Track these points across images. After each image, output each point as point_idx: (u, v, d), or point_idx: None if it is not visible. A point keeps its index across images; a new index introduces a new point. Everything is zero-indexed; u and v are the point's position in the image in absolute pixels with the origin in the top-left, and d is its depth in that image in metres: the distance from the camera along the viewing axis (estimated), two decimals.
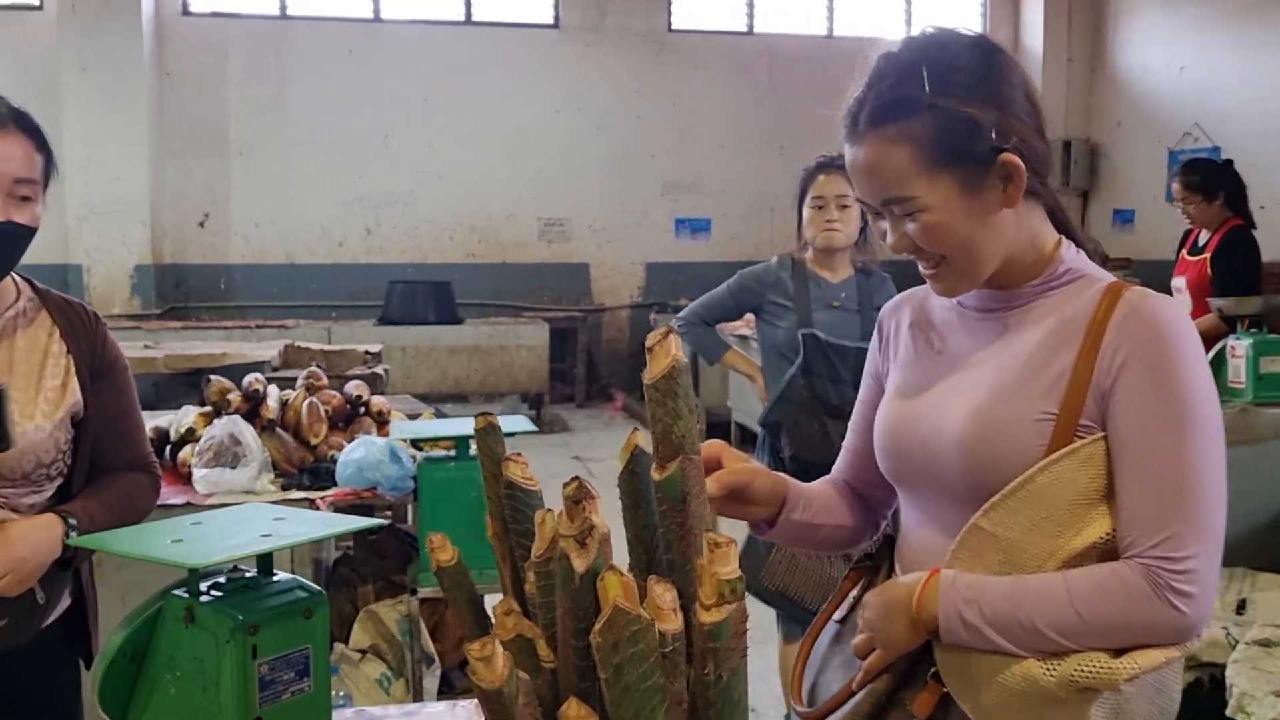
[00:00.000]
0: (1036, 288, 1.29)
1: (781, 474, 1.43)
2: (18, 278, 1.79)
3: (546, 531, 0.96)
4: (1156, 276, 8.61)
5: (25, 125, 1.67)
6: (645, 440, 1.01)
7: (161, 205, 9.56)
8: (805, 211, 3.23)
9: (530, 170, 10.41)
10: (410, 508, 3.48)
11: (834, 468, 1.55)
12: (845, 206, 3.14)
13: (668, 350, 0.95)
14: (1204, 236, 4.85)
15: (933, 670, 1.25)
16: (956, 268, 1.26)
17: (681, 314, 3.51)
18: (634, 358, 10.72)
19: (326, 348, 6.48)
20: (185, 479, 3.06)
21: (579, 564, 0.85)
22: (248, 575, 1.38)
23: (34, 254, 7.31)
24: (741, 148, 10.67)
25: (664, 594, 0.89)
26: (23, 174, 1.64)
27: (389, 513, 4.16)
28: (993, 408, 1.24)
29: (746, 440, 7.21)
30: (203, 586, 1.34)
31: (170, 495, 2.91)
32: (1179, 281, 4.93)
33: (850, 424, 1.52)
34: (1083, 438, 1.20)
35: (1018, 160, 1.22)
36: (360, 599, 3.22)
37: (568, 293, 10.65)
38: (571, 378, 10.34)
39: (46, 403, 1.70)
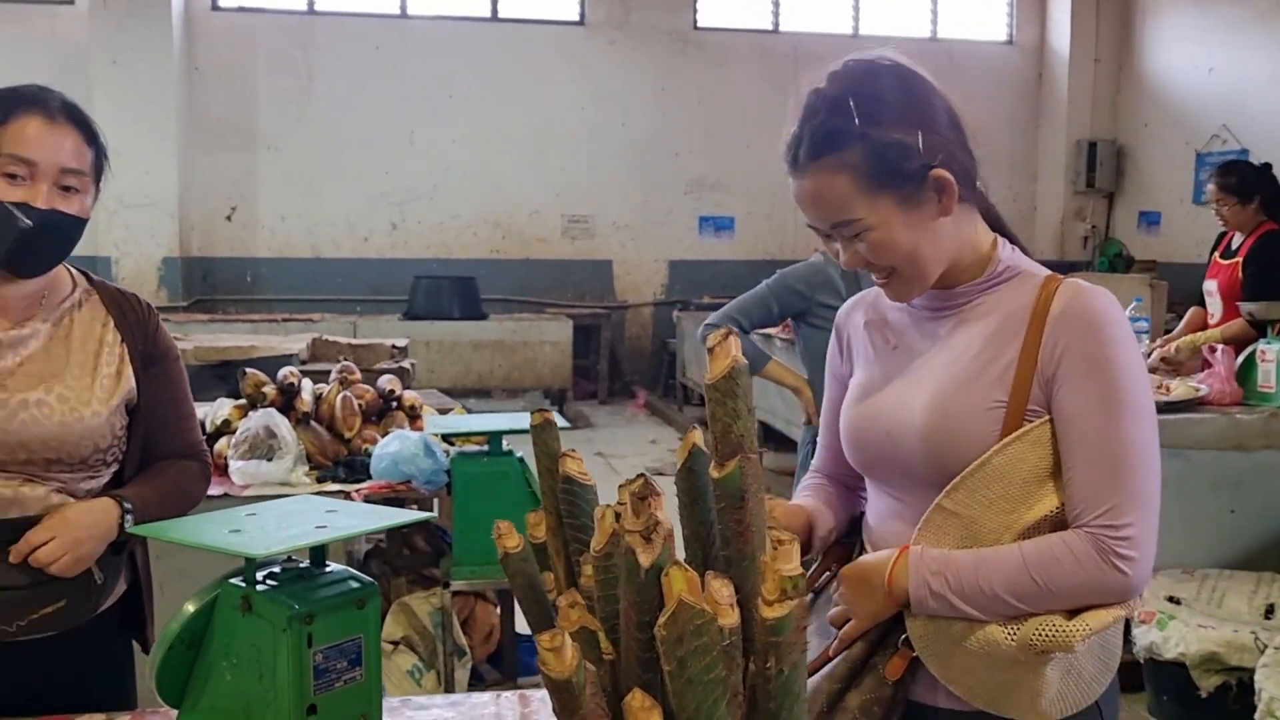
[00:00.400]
0: (978, 286, 1.41)
1: (798, 504, 1.55)
2: (73, 270, 1.83)
3: (606, 526, 0.98)
4: (1183, 279, 8.59)
5: (75, 118, 1.70)
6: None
7: (189, 198, 9.64)
8: None
9: (554, 167, 10.45)
10: (437, 501, 3.52)
11: (812, 466, 1.67)
12: None
13: (728, 351, 0.97)
14: (1237, 240, 4.83)
15: (903, 637, 1.37)
16: (906, 276, 1.38)
17: (712, 318, 3.21)
18: (656, 355, 10.75)
19: (354, 341, 6.54)
20: (221, 470, 3.10)
21: (644, 559, 0.87)
22: (301, 566, 1.41)
23: None
24: (766, 146, 10.61)
25: (722, 589, 0.91)
26: (71, 164, 1.67)
27: (415, 506, 4.20)
28: (950, 398, 1.36)
29: (770, 439, 7.22)
30: (258, 576, 1.37)
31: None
32: (1210, 285, 4.91)
33: (822, 423, 1.63)
34: (1031, 421, 1.33)
35: (947, 174, 1.34)
36: (392, 591, 3.26)
37: (591, 289, 10.68)
38: (594, 374, 10.37)
39: (102, 389, 1.73)
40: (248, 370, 3.40)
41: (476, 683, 3.25)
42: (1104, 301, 1.33)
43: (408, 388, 6.16)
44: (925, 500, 1.37)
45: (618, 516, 0.99)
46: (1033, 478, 1.33)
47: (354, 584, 1.40)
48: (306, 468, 3.11)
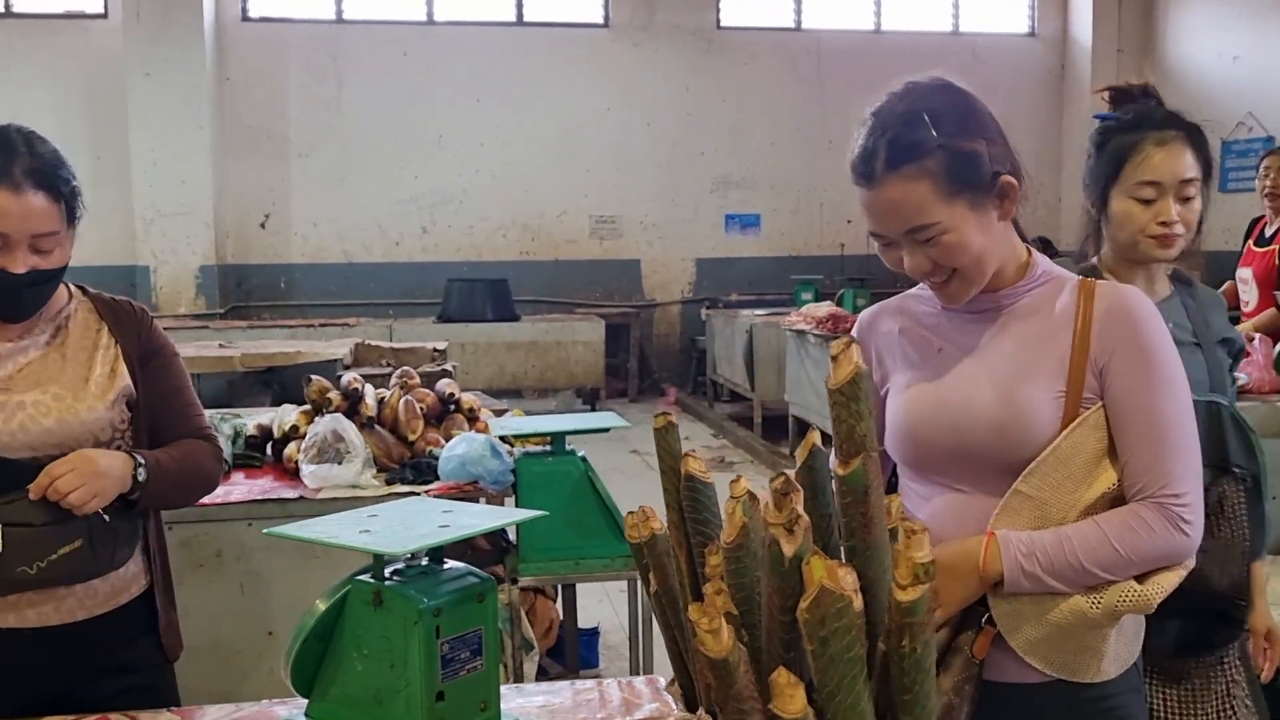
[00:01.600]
0: (1022, 288, 1.54)
1: None
2: (70, 284, 1.94)
3: (736, 520, 1.07)
4: (1211, 267, 8.57)
5: (41, 181, 1.72)
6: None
7: (224, 207, 9.79)
8: (1118, 203, 2.08)
9: (581, 168, 10.55)
10: (506, 502, 3.61)
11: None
12: (1188, 198, 2.08)
13: (850, 358, 1.06)
14: (1271, 228, 4.87)
15: (986, 616, 1.47)
16: (967, 277, 1.48)
17: None
18: (684, 353, 10.84)
19: (395, 345, 6.65)
20: (291, 474, 3.21)
21: (788, 549, 0.97)
22: (423, 564, 1.51)
23: (104, 255, 7.69)
24: (790, 143, 10.75)
25: (847, 577, 1.00)
26: (42, 229, 1.73)
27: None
28: (1017, 391, 1.48)
29: (804, 433, 7.29)
30: (385, 573, 1.47)
31: (282, 489, 3.06)
32: (1245, 272, 4.95)
33: None
34: (1087, 408, 1.46)
35: (1013, 180, 1.48)
36: None
37: (619, 289, 10.78)
38: (624, 373, 10.47)
39: (97, 387, 1.85)
40: (312, 377, 3.51)
41: (540, 676, 3.35)
42: (1141, 298, 1.50)
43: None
44: (991, 488, 1.49)
45: (745, 512, 1.08)
46: (1092, 458, 1.46)
47: (474, 579, 1.49)
48: (374, 470, 3.21)
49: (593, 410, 9.54)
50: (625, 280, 10.81)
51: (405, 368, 3.75)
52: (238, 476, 3.25)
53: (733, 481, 1.08)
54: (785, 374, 7.49)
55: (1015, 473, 1.46)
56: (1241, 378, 4.02)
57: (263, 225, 10.14)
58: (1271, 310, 4.65)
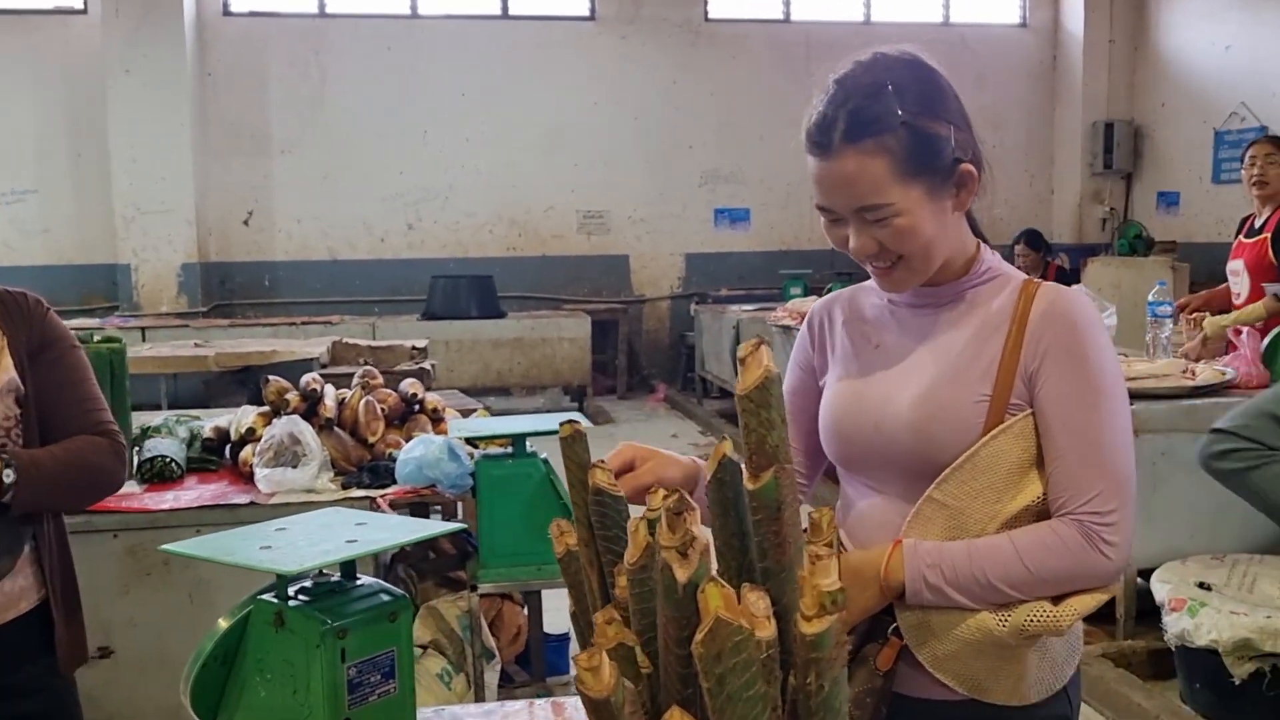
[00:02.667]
0: (964, 283, 1.45)
1: (694, 459, 1.52)
2: None
3: (640, 539, 0.97)
4: (1204, 259, 8.52)
5: None
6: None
7: (206, 204, 9.68)
8: None
9: (568, 163, 10.44)
10: (461, 505, 3.52)
11: None
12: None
13: (760, 361, 0.96)
14: (1259, 219, 4.78)
15: (892, 627, 1.41)
16: (912, 266, 1.40)
17: (1232, 426, 2.00)
18: (674, 349, 10.74)
19: (374, 344, 6.55)
20: (246, 478, 3.12)
21: (681, 575, 0.87)
22: (333, 580, 1.41)
23: (84, 254, 7.61)
24: (780, 136, 10.62)
25: (758, 601, 0.90)
26: None
27: (439, 510, 4.21)
28: (938, 393, 1.41)
29: None
30: (290, 591, 1.37)
31: (234, 494, 2.97)
32: (1236, 264, 4.86)
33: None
34: (1014, 415, 1.38)
35: (973, 169, 1.40)
36: (419, 595, 3.26)
37: (608, 284, 10.68)
38: (613, 369, 10.37)
39: None
40: (270, 378, 3.41)
41: (505, 684, 3.26)
42: (1082, 303, 1.41)
43: (428, 389, 6.18)
44: (907, 492, 1.42)
45: (651, 529, 0.98)
46: (1016, 469, 1.38)
47: (385, 597, 1.40)
48: (331, 474, 3.12)
49: (580, 408, 9.44)
50: (614, 276, 10.70)
51: (368, 367, 3.65)
52: (191, 481, 3.16)
53: (650, 492, 0.98)
54: None
55: (935, 478, 1.39)
56: (1229, 373, 3.93)
57: (246, 222, 10.03)
58: (1267, 300, 4.55)
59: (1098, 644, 3.78)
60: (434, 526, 1.42)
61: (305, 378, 3.38)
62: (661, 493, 1.05)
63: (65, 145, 9.60)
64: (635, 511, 1.06)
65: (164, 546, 1.38)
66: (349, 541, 1.36)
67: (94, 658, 2.88)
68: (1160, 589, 3.40)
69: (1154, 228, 10.19)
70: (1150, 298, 4.41)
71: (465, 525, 1.52)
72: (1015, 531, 1.36)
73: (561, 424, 1.12)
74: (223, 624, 1.40)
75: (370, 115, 10.04)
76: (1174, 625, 3.26)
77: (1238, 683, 3.11)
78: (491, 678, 3.06)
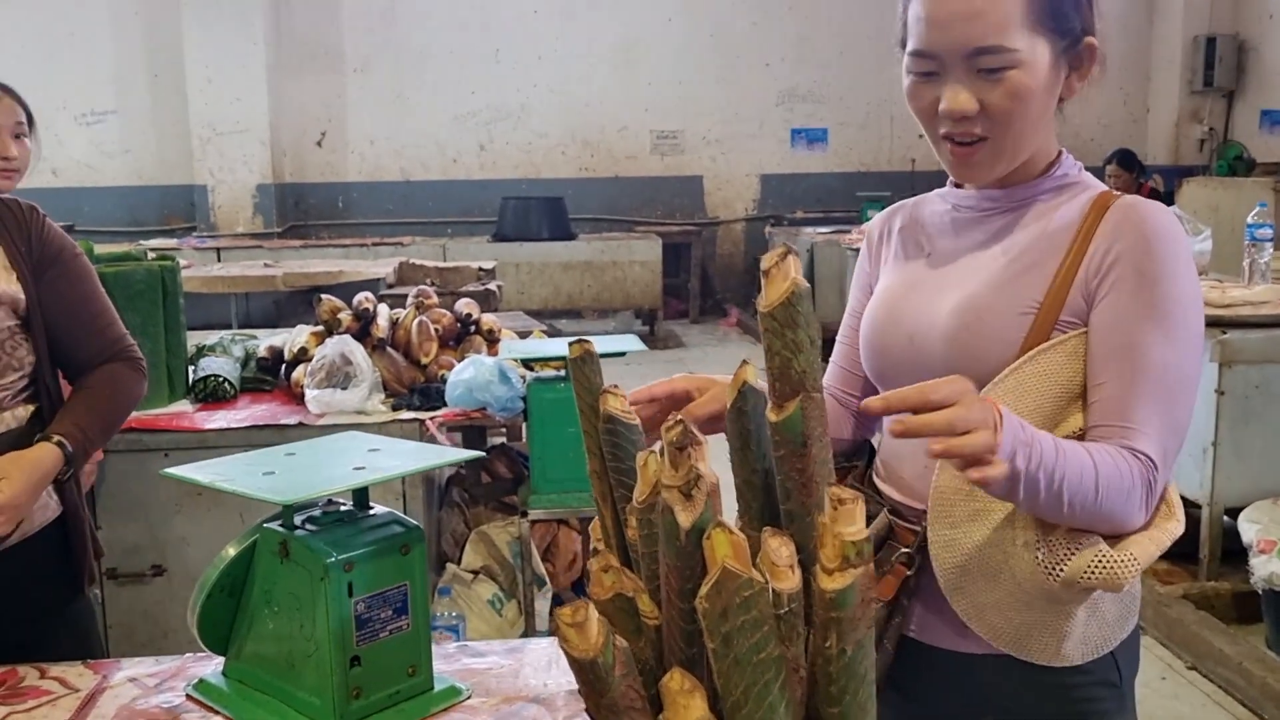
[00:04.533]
0: (1035, 188, 1.28)
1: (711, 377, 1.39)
2: None
3: (650, 475, 0.86)
4: None
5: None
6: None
7: (280, 124, 9.66)
8: None
9: (642, 82, 10.20)
10: (524, 427, 3.44)
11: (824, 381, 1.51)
12: None
13: (786, 273, 0.83)
14: None
15: (898, 554, 1.27)
16: (1000, 148, 1.22)
17: None
18: (749, 272, 10.53)
19: (441, 265, 6.50)
20: (299, 399, 3.07)
21: (684, 519, 0.75)
22: (343, 509, 1.33)
23: (163, 175, 7.63)
24: (860, 54, 10.25)
25: (780, 549, 0.78)
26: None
27: (504, 431, 4.15)
28: (981, 300, 1.25)
29: None
30: (298, 520, 1.29)
31: (283, 415, 2.92)
32: None
33: (839, 336, 1.49)
34: (1065, 332, 1.21)
35: (1097, 45, 1.24)
36: (473, 519, 3.21)
37: (681, 206, 10.48)
38: (685, 293, 10.22)
39: None
40: (324, 296, 3.35)
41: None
42: (1164, 217, 1.21)
43: (494, 310, 6.12)
44: None
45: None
46: (1066, 393, 1.20)
47: (398, 528, 1.31)
48: (383, 395, 3.05)
49: (651, 332, 9.34)
50: (687, 198, 10.50)
51: (423, 286, 3.58)
52: (244, 400, 3.12)
53: (666, 427, 0.83)
54: (845, 297, 7.17)
55: None
56: None
57: (319, 143, 10.01)
58: None
59: (1179, 584, 3.61)
60: (445, 454, 1.33)
61: (358, 296, 3.31)
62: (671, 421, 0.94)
63: (143, 65, 9.63)
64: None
65: (165, 471, 1.30)
66: (356, 469, 1.28)
67: (149, 575, 2.90)
68: (1248, 529, 3.22)
69: (1256, 148, 9.65)
70: (1249, 220, 4.13)
71: (480, 454, 1.42)
72: (1087, 442, 1.15)
73: (570, 343, 1.01)
74: (230, 551, 1.33)
75: (442, 32, 9.90)
76: (1262, 568, 3.08)
77: None
78: (543, 605, 3.00)
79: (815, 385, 0.84)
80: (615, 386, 1.00)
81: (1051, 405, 1.19)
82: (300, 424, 2.84)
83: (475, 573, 3.00)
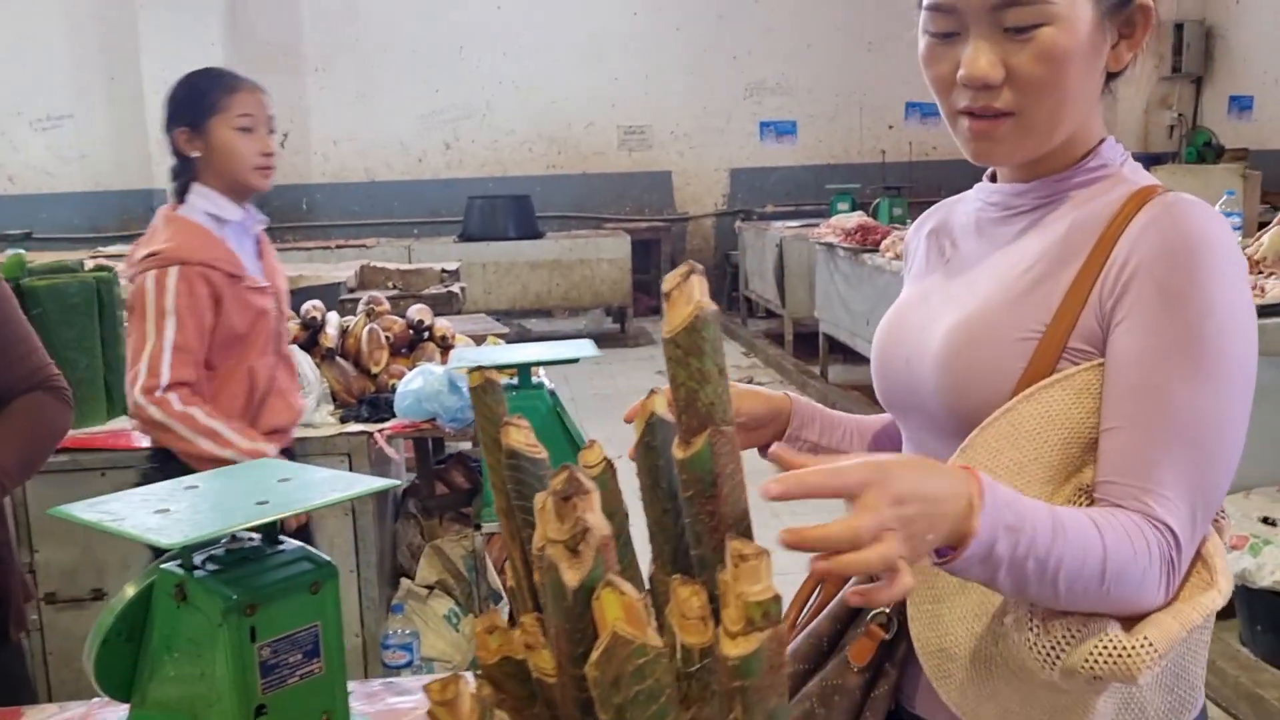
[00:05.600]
0: (1062, 182, 1.08)
1: (786, 394, 1.29)
2: None
3: (547, 518, 0.78)
4: (1278, 167, 8.02)
5: None
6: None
7: None
8: None
9: (608, 77, 10.10)
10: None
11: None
12: None
13: (689, 296, 0.75)
14: None
15: (873, 614, 1.10)
16: (1028, 124, 1.03)
17: None
18: (719, 268, 10.45)
19: (403, 267, 6.39)
20: None
21: (570, 577, 0.67)
22: (249, 545, 1.24)
23: (121, 179, 7.48)
24: (828, 45, 10.19)
25: (691, 599, 0.70)
26: None
27: (469, 444, 4.05)
28: (976, 320, 1.06)
29: (835, 350, 6.95)
30: (198, 558, 1.20)
31: None
32: None
33: None
34: (1076, 363, 1.01)
35: (1152, 6, 1.06)
36: (428, 532, 3.12)
37: (650, 202, 10.40)
38: (656, 290, 10.13)
39: None
40: None
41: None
42: (1207, 219, 0.99)
43: (456, 313, 6.01)
44: (945, 453, 1.05)
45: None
46: (1075, 439, 1.00)
47: (308, 565, 1.22)
48: (331, 407, 2.96)
49: (621, 330, 9.26)
50: (656, 193, 10.41)
51: (374, 293, 3.48)
52: None
53: (553, 474, 0.75)
54: (815, 288, 7.11)
55: (970, 431, 1.03)
56: None
57: (282, 144, 9.83)
58: None
59: None
60: (359, 484, 1.24)
61: (306, 305, 3.21)
62: (597, 446, 0.87)
63: (99, 68, 9.45)
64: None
65: (52, 510, 1.20)
66: (259, 504, 1.18)
67: (88, 599, 2.79)
68: None
69: (1225, 134, 9.65)
70: (1217, 208, 4.08)
71: (399, 483, 1.34)
72: (1096, 514, 0.94)
73: (469, 371, 0.92)
74: (129, 592, 1.23)
75: (404, 30, 9.77)
76: (1235, 564, 3.02)
77: None
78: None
79: (725, 418, 0.76)
80: (519, 417, 0.91)
81: (1057, 454, 1.00)
82: None
83: (430, 587, 2.91)
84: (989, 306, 1.07)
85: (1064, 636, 0.94)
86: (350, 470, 2.74)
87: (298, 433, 2.78)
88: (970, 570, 0.90)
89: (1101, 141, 1.09)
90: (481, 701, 0.65)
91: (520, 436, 0.89)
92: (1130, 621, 0.95)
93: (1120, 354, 0.98)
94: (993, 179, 1.16)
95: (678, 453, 0.76)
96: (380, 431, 2.77)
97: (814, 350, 7.20)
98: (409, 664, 2.74)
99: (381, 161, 10.02)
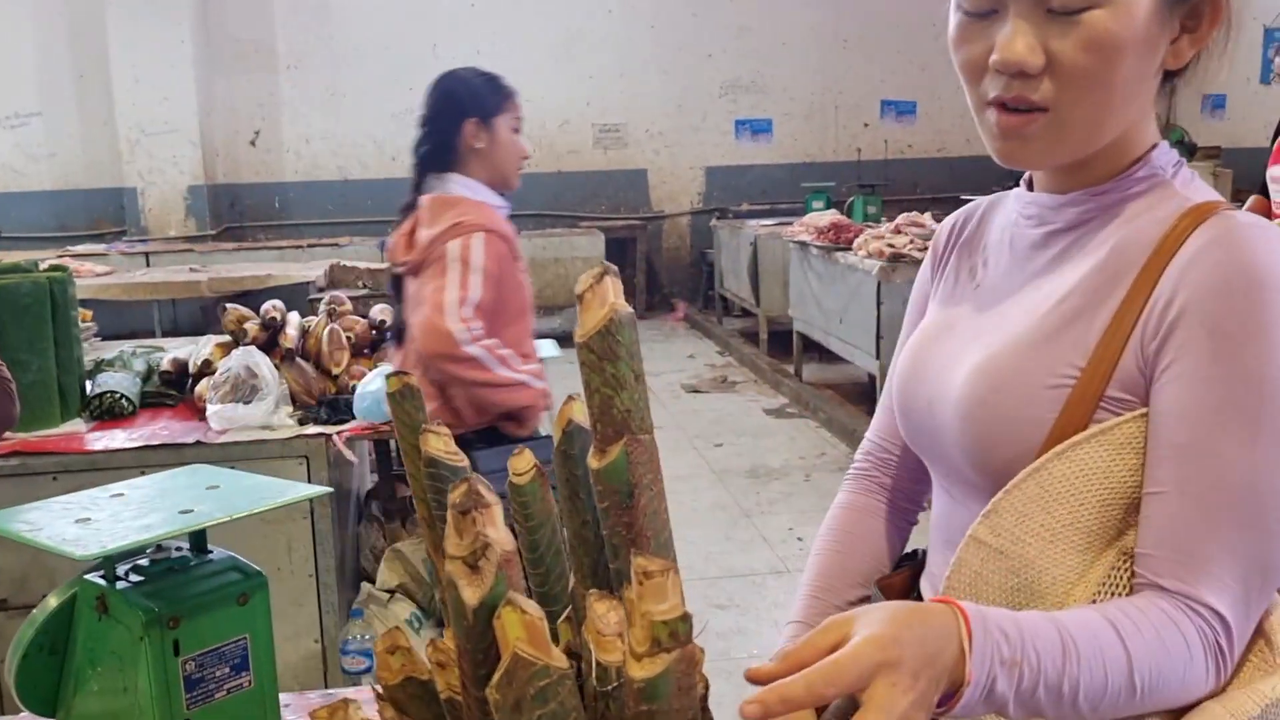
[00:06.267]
0: (1101, 195, 0.95)
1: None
2: None
3: (448, 533, 0.74)
4: (1251, 165, 8.04)
5: None
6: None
7: (211, 124, 9.42)
8: None
9: (583, 75, 10.06)
10: None
11: (866, 435, 1.25)
12: None
13: (603, 298, 0.71)
14: None
15: None
16: (1064, 120, 0.89)
17: None
18: (694, 266, 10.45)
19: (373, 266, 6.35)
20: (203, 414, 2.92)
21: (470, 595, 0.64)
22: (175, 555, 1.20)
23: (91, 178, 7.42)
24: (803, 43, 10.17)
25: (607, 614, 0.67)
26: None
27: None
28: (1002, 361, 0.93)
29: (810, 349, 6.94)
30: (122, 569, 1.16)
31: (182, 433, 2.77)
32: (1276, 170, 4.49)
33: (889, 376, 1.19)
34: (1116, 413, 0.88)
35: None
36: (390, 535, 3.08)
37: (625, 200, 10.36)
38: (631, 288, 10.10)
39: None
40: (229, 305, 3.21)
41: None
42: (1269, 245, 0.85)
43: None
44: (975, 500, 0.95)
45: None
46: (1117, 500, 0.88)
47: (237, 575, 1.18)
48: (290, 408, 2.91)
49: None
50: (632, 191, 10.38)
51: (335, 293, 3.43)
52: (144, 418, 2.96)
53: (452, 486, 0.73)
54: (789, 287, 7.09)
55: (1000, 487, 0.92)
56: None
57: (253, 143, 9.77)
58: None
59: None
60: (289, 491, 1.20)
61: (266, 305, 3.17)
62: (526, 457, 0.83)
63: (68, 65, 9.34)
64: None
65: None
66: (182, 512, 1.14)
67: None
68: None
69: (1198, 132, 9.70)
70: None
71: (329, 490, 1.30)
72: (1118, 613, 0.83)
73: (388, 377, 0.88)
74: (51, 603, 1.19)
75: (377, 27, 9.70)
76: None
77: None
78: None
79: (642, 426, 0.73)
80: (438, 423, 0.88)
81: (1095, 518, 0.88)
82: (198, 443, 2.69)
83: (391, 592, 2.86)
84: (1018, 346, 0.93)
85: None
86: (309, 473, 2.70)
87: (252, 436, 2.75)
88: (974, 712, 0.78)
89: (1153, 148, 0.96)
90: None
91: (439, 444, 0.85)
92: (1176, 712, 0.86)
93: (1166, 406, 0.86)
94: (1029, 186, 1.02)
95: (593, 462, 0.73)
96: (339, 434, 2.73)
97: (788, 349, 7.19)
98: (369, 669, 2.70)
99: (355, 160, 9.95)
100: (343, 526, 2.95)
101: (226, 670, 1.16)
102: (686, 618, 0.61)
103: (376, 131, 9.91)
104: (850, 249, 5.93)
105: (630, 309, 0.73)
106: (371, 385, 2.75)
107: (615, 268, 0.73)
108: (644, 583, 0.61)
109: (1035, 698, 0.79)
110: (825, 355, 6.78)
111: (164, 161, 9.13)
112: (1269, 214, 4.51)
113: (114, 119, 9.09)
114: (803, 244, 6.61)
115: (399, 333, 2.82)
